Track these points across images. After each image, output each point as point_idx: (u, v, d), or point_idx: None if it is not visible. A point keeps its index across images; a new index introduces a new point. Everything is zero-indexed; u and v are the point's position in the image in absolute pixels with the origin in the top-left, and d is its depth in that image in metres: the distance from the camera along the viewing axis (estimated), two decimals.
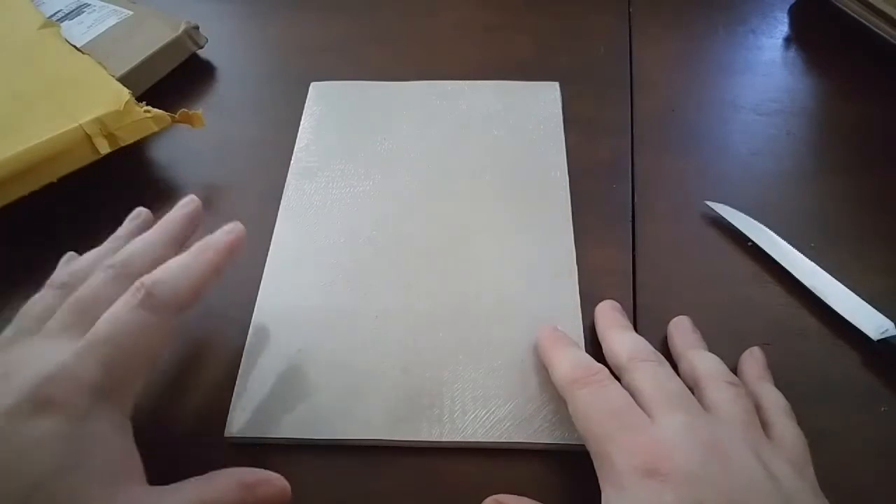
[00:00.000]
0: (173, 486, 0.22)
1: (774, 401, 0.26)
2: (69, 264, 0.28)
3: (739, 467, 0.21)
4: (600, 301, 0.31)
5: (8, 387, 0.21)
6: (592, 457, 0.24)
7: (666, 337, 0.30)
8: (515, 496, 0.25)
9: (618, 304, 0.31)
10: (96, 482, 0.20)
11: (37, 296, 0.26)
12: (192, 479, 0.23)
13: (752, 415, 0.25)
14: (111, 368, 0.22)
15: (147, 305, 0.23)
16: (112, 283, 0.24)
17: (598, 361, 0.26)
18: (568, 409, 0.25)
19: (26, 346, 0.23)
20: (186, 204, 0.29)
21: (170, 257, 0.26)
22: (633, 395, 0.24)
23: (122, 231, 0.30)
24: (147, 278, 0.24)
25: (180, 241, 0.28)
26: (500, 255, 0.34)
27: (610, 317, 0.30)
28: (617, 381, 0.25)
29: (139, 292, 0.23)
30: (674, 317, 0.31)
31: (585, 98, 0.41)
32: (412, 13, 0.48)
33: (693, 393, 0.25)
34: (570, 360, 0.26)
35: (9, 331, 0.25)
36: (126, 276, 0.25)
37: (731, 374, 0.26)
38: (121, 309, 0.23)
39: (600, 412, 0.24)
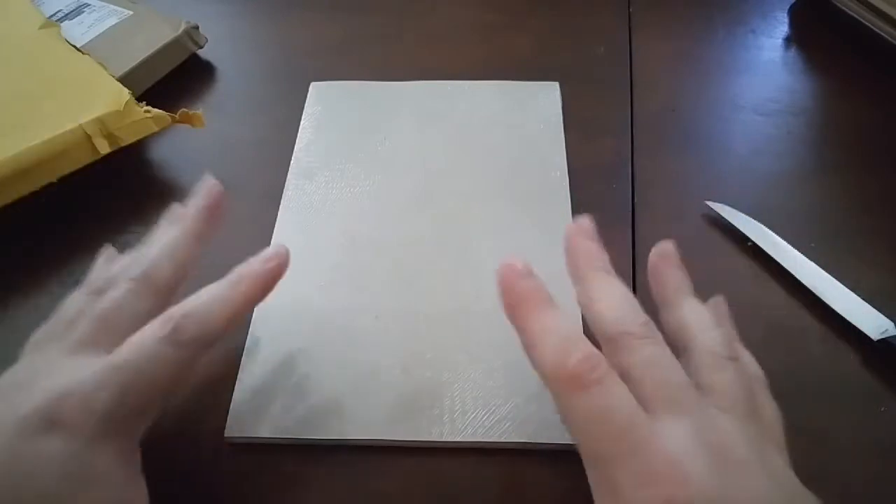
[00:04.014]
0: None
1: (755, 373, 0.24)
2: (108, 265, 0.27)
3: (751, 481, 0.20)
4: None
5: (23, 397, 0.21)
6: (590, 474, 0.20)
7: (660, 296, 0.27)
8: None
9: (593, 227, 0.25)
10: None
11: (74, 295, 0.25)
12: None
13: (752, 399, 0.22)
14: (126, 397, 0.22)
15: (173, 341, 0.22)
16: (135, 297, 0.24)
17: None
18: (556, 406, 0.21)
19: (48, 354, 0.23)
20: (206, 194, 0.27)
21: (193, 257, 0.26)
22: (623, 378, 0.20)
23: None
24: (177, 310, 0.23)
25: (201, 237, 0.27)
26: (500, 254, 0.33)
27: (589, 253, 0.25)
28: (616, 376, 0.20)
29: (167, 325, 0.22)
30: None
31: (585, 98, 0.41)
32: (412, 13, 0.48)
33: (681, 351, 0.23)
34: (557, 338, 0.21)
35: (41, 332, 0.24)
36: (148, 290, 0.24)
37: (726, 334, 0.23)
38: (146, 339, 0.22)
39: (605, 429, 0.19)
